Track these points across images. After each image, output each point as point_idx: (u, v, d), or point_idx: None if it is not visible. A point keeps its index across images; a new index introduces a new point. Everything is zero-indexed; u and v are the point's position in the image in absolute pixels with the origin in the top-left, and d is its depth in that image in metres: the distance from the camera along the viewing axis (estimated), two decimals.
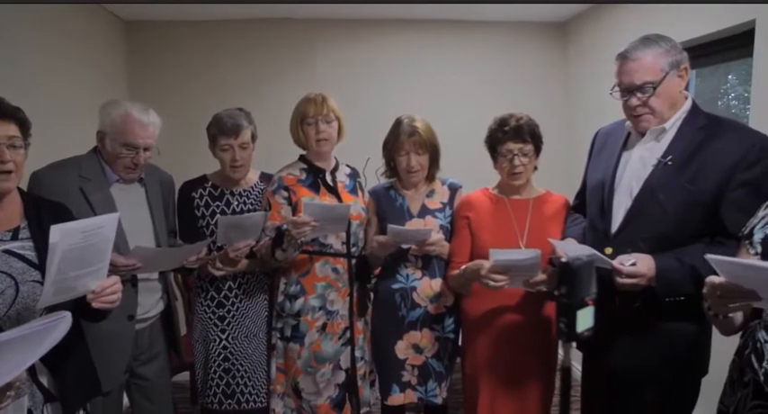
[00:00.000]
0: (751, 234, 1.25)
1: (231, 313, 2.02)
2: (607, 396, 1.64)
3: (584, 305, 1.36)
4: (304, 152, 2.04)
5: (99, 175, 1.73)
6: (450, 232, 1.93)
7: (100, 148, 1.75)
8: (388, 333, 1.96)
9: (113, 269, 1.51)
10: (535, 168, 1.83)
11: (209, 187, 2.04)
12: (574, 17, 3.35)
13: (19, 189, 1.30)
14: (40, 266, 1.19)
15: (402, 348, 1.94)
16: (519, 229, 1.80)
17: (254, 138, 2.01)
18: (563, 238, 1.72)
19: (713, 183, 1.40)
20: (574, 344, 1.43)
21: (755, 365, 1.15)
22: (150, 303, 1.85)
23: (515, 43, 3.48)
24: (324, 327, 1.95)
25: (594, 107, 3.09)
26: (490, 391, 1.81)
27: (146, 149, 1.72)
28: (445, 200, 1.99)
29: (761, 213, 1.26)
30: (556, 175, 2.68)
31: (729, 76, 2.59)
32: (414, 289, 1.92)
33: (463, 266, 1.76)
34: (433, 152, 1.94)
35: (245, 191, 2.06)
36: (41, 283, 1.16)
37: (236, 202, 2.03)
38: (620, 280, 1.41)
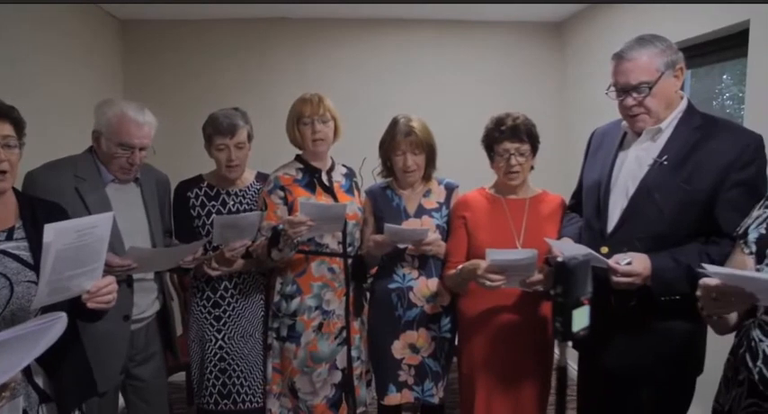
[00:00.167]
0: (746, 234, 1.25)
1: (227, 313, 2.02)
2: (603, 395, 1.64)
3: (579, 304, 1.37)
4: (300, 152, 2.04)
5: (94, 174, 1.72)
6: (446, 232, 1.94)
7: (95, 148, 1.75)
8: (385, 333, 1.96)
9: (109, 269, 1.50)
10: (532, 168, 1.83)
11: (204, 187, 2.04)
12: (570, 17, 3.36)
13: (14, 189, 1.29)
14: (35, 267, 1.19)
15: (399, 348, 1.94)
16: (515, 228, 1.80)
17: (250, 137, 2.01)
18: (559, 237, 1.72)
19: (708, 182, 1.40)
20: (570, 343, 1.43)
21: (750, 364, 1.16)
22: (146, 303, 1.84)
23: (512, 43, 3.49)
24: (320, 326, 1.95)
25: (591, 107, 3.10)
26: (486, 390, 1.81)
27: (141, 149, 1.72)
28: (442, 199, 1.99)
29: (755, 213, 1.26)
30: (552, 175, 2.69)
31: (724, 76, 2.60)
32: (410, 289, 1.92)
33: (460, 266, 1.76)
34: (429, 152, 1.94)
35: (240, 191, 2.05)
36: (36, 284, 1.16)
37: (231, 202, 2.03)
38: (615, 279, 1.41)
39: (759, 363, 1.14)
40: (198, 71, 3.31)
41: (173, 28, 3.27)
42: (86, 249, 1.14)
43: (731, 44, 2.19)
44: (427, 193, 1.99)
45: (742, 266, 1.23)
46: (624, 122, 1.57)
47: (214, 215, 1.93)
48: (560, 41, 3.51)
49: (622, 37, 1.54)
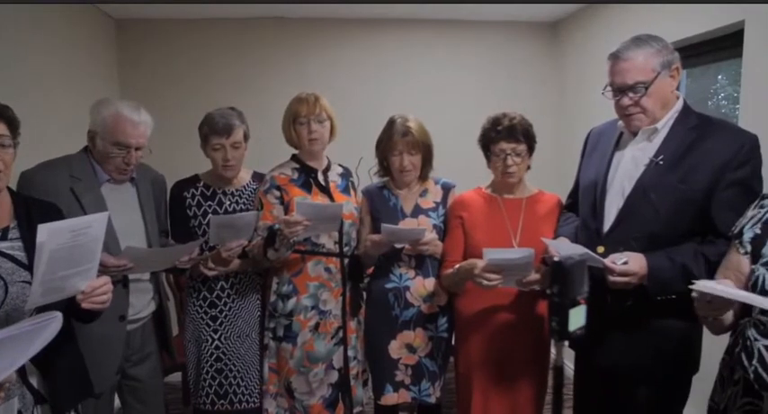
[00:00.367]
0: (741, 233, 1.26)
1: (223, 313, 2.01)
2: (599, 394, 1.65)
3: (576, 304, 1.37)
4: (296, 152, 2.04)
5: (90, 174, 1.71)
6: (443, 232, 1.94)
7: (90, 148, 1.74)
8: (382, 333, 1.96)
9: (104, 270, 1.50)
10: (528, 168, 1.84)
11: (201, 187, 2.03)
12: (566, 17, 3.37)
13: (8, 189, 1.28)
14: (30, 267, 1.18)
15: (395, 348, 1.94)
16: (512, 228, 1.80)
17: (246, 137, 2.00)
18: (556, 237, 1.72)
19: (704, 182, 1.41)
20: (566, 342, 1.43)
21: (745, 363, 1.16)
22: (142, 304, 1.83)
23: (508, 43, 3.49)
24: (316, 326, 1.95)
25: (587, 106, 3.10)
26: (483, 389, 1.81)
27: (137, 149, 1.71)
28: (438, 199, 1.99)
29: (750, 213, 1.27)
30: (549, 175, 2.70)
31: (719, 77, 2.61)
32: (407, 288, 1.92)
33: (457, 266, 1.76)
34: (425, 152, 1.94)
35: (237, 190, 2.05)
36: (31, 284, 1.15)
37: (228, 202, 2.02)
38: (612, 278, 1.42)
39: (754, 362, 1.15)
40: (194, 71, 3.30)
41: (169, 27, 3.26)
42: (81, 249, 1.13)
43: (726, 44, 2.20)
44: (424, 193, 1.99)
45: (737, 266, 1.24)
46: (620, 122, 1.58)
47: (210, 215, 1.93)
48: (556, 41, 3.51)
49: (618, 37, 1.54)
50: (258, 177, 2.09)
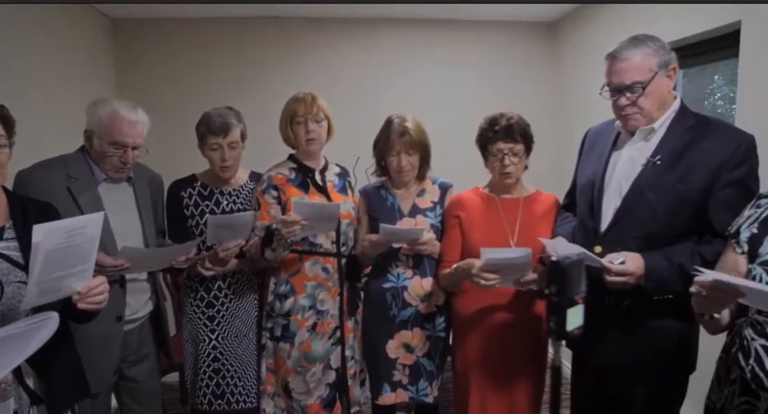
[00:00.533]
0: (738, 233, 1.26)
1: (221, 313, 2.01)
2: (597, 394, 1.65)
3: (573, 304, 1.37)
4: (293, 151, 2.03)
5: (86, 174, 1.70)
6: (440, 231, 1.94)
7: (87, 148, 1.73)
8: (379, 332, 1.95)
9: (101, 270, 1.50)
10: (526, 167, 1.84)
11: (198, 187, 2.02)
12: (564, 17, 3.37)
13: (4, 188, 1.28)
14: (26, 267, 1.17)
15: (393, 348, 1.94)
16: (509, 228, 1.80)
17: (243, 137, 2.00)
18: (553, 236, 1.73)
19: (701, 182, 1.41)
20: (564, 342, 1.44)
21: (742, 363, 1.17)
22: (139, 304, 1.83)
23: (505, 43, 3.50)
24: (314, 326, 1.95)
25: (584, 106, 3.11)
26: (481, 389, 1.81)
27: (134, 148, 1.70)
28: (436, 199, 1.99)
29: (747, 212, 1.27)
30: (546, 174, 2.70)
31: (716, 77, 2.61)
32: (405, 288, 1.92)
33: (454, 265, 1.76)
34: (423, 152, 1.94)
35: (234, 190, 2.05)
36: (27, 284, 1.14)
37: (225, 202, 2.02)
38: (609, 278, 1.42)
39: (751, 361, 1.15)
40: (191, 70, 3.29)
41: (165, 27, 3.25)
42: (77, 250, 1.13)
43: (723, 44, 2.20)
44: (421, 193, 1.99)
45: (734, 265, 1.24)
46: (618, 122, 1.58)
47: (208, 215, 1.92)
48: (554, 41, 3.52)
49: (615, 37, 1.54)
50: (255, 177, 2.09)
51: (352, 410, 2.03)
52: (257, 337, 2.06)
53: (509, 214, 1.82)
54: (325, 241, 1.96)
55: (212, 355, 2.00)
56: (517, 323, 1.79)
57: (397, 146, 1.89)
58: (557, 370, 1.44)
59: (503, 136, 1.74)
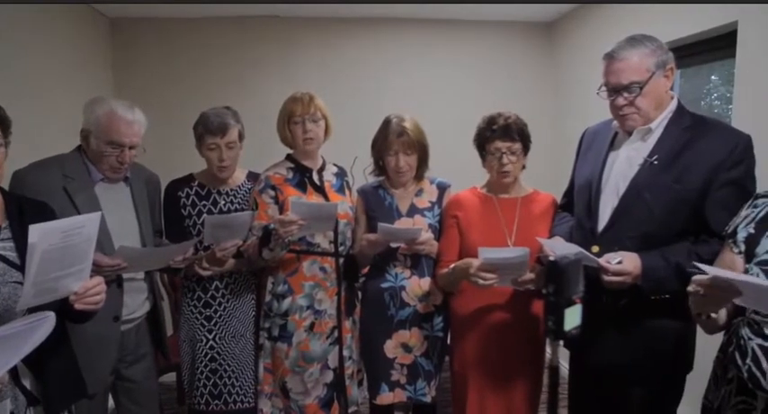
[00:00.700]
0: (734, 233, 1.26)
1: (218, 313, 2.01)
2: (594, 393, 1.65)
3: (571, 303, 1.37)
4: (291, 151, 2.03)
5: (83, 174, 1.70)
6: (438, 231, 1.94)
7: (84, 147, 1.73)
8: (377, 332, 1.95)
9: (98, 269, 1.49)
10: (523, 167, 1.84)
11: (195, 186, 2.02)
12: (561, 17, 3.38)
13: (0, 188, 1.27)
14: (22, 267, 1.17)
15: (391, 347, 1.94)
16: (507, 227, 1.80)
17: (241, 137, 2.00)
18: (550, 236, 1.73)
19: (698, 182, 1.41)
20: (561, 342, 1.44)
21: (739, 362, 1.17)
22: (136, 304, 1.82)
23: (503, 43, 3.50)
24: (311, 326, 1.94)
25: (582, 106, 3.11)
26: (479, 389, 1.81)
27: (131, 148, 1.70)
28: (434, 199, 1.99)
29: (744, 212, 1.28)
30: (544, 174, 2.70)
31: (712, 77, 2.62)
32: (403, 288, 1.92)
33: (452, 265, 1.76)
34: (421, 152, 1.94)
35: (232, 190, 2.04)
36: (23, 285, 1.14)
37: (222, 202, 2.02)
38: (606, 278, 1.42)
39: (748, 360, 1.15)
40: (188, 70, 3.28)
41: (163, 26, 3.24)
42: (73, 250, 1.12)
43: (720, 45, 2.21)
44: (419, 193, 1.99)
45: (731, 265, 1.25)
46: (615, 122, 1.58)
47: (205, 215, 1.92)
48: (551, 41, 3.52)
49: (613, 37, 1.54)
50: (253, 177, 2.08)
51: (349, 410, 2.03)
52: (254, 336, 2.05)
53: (507, 214, 1.82)
54: (322, 241, 1.96)
55: (209, 355, 2.00)
56: (515, 323, 1.79)
57: (396, 146, 1.89)
58: (554, 370, 1.44)
59: (501, 135, 1.74)
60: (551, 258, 1.39)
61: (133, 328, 1.83)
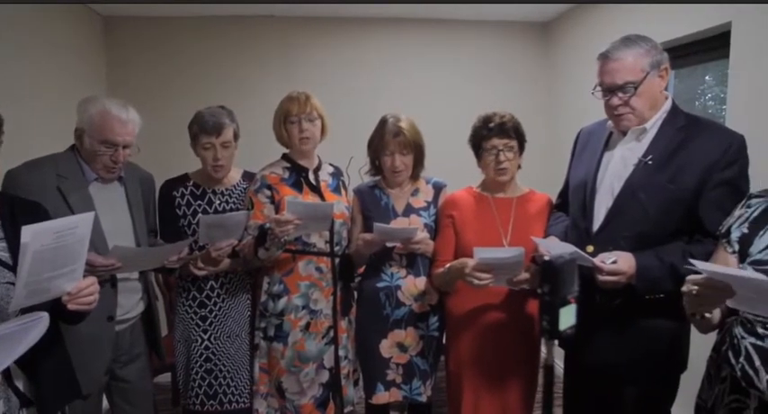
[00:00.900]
0: (728, 232, 1.27)
1: (213, 313, 2.00)
2: (589, 393, 1.66)
3: (566, 303, 1.37)
4: (287, 151, 2.03)
5: (77, 173, 1.69)
6: (434, 231, 1.94)
7: (78, 146, 1.72)
8: (373, 332, 1.95)
9: (92, 269, 1.48)
10: (519, 167, 1.84)
11: (190, 186, 2.01)
12: (557, 17, 3.38)
13: None
14: (14, 268, 1.16)
15: (386, 347, 1.94)
16: (502, 227, 1.81)
17: (236, 136, 1.99)
18: (546, 236, 1.73)
19: (692, 182, 1.42)
20: (556, 341, 1.44)
21: (732, 361, 1.18)
22: (130, 304, 1.81)
23: (498, 43, 3.51)
24: (307, 326, 1.94)
25: (577, 106, 3.12)
26: (474, 388, 1.82)
27: (125, 147, 1.69)
28: (430, 198, 1.99)
29: (737, 212, 1.28)
30: (539, 174, 2.70)
31: (706, 77, 2.63)
32: (398, 287, 1.92)
33: (448, 265, 1.77)
34: (417, 152, 1.94)
35: (227, 190, 2.04)
36: (15, 285, 1.13)
37: (218, 201, 2.01)
38: (601, 278, 1.42)
39: (741, 359, 1.16)
40: (183, 69, 3.27)
41: (157, 25, 3.23)
42: (66, 250, 1.11)
43: (714, 45, 2.22)
44: (415, 192, 1.99)
45: (725, 265, 1.25)
46: (610, 122, 1.59)
47: (200, 214, 1.91)
48: (547, 41, 3.53)
49: (608, 37, 1.55)
50: (248, 176, 2.08)
51: (345, 410, 2.03)
52: (250, 336, 2.05)
53: (502, 214, 1.82)
54: (318, 241, 1.95)
55: (204, 356, 1.99)
56: (510, 322, 1.79)
57: (392, 146, 1.89)
58: (549, 369, 1.44)
59: (497, 132, 1.75)
60: (546, 258, 1.39)
61: (128, 328, 1.82)
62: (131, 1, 2.87)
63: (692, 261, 1.09)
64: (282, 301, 1.93)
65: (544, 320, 1.38)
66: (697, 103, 2.70)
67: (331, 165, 2.11)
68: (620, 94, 1.47)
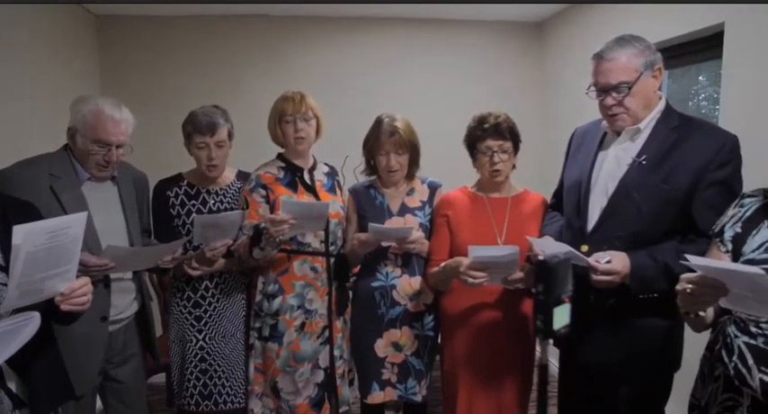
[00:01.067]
0: (722, 232, 1.28)
1: (208, 313, 1.99)
2: (583, 392, 1.66)
3: (560, 303, 1.37)
4: (282, 150, 2.02)
5: (70, 173, 1.68)
6: (429, 230, 1.94)
7: (71, 146, 1.70)
8: (368, 331, 1.95)
9: (85, 269, 1.48)
10: (513, 167, 1.85)
11: (184, 186, 2.00)
12: (551, 17, 3.39)
13: None
14: (6, 268, 1.15)
15: (382, 346, 1.94)
16: (497, 227, 1.81)
17: (230, 136, 1.98)
18: (540, 236, 1.74)
19: (686, 182, 1.43)
20: (551, 341, 1.44)
21: (726, 360, 1.18)
22: (124, 304, 1.81)
23: (493, 43, 3.51)
24: (302, 326, 1.94)
25: (571, 106, 3.13)
26: (469, 387, 1.82)
27: (118, 146, 1.68)
28: (425, 198, 1.99)
29: (731, 212, 1.29)
30: (533, 174, 2.71)
31: (700, 77, 2.65)
32: (393, 287, 1.92)
33: (442, 264, 1.77)
34: (413, 152, 1.94)
35: (221, 189, 2.03)
36: (7, 286, 1.12)
37: (212, 201, 2.00)
38: (595, 277, 1.43)
39: (734, 358, 1.16)
40: (177, 68, 3.25)
41: (151, 24, 3.21)
42: (59, 250, 1.10)
43: (707, 46, 2.23)
44: (410, 192, 1.99)
45: None
46: (604, 122, 1.59)
47: (194, 214, 1.90)
48: (541, 41, 3.54)
49: (602, 37, 1.55)
50: (243, 176, 2.07)
51: (340, 410, 2.03)
52: (245, 336, 2.04)
53: (497, 213, 1.83)
54: (313, 240, 1.95)
55: (199, 356, 1.98)
56: (505, 322, 1.79)
57: (387, 145, 1.89)
58: (544, 368, 1.45)
59: (492, 133, 1.75)
60: (541, 257, 1.39)
61: (121, 328, 1.81)
62: (125, 0, 2.85)
63: (686, 256, 1.09)
64: (277, 301, 1.93)
65: (538, 320, 1.38)
66: (690, 103, 2.71)
67: (326, 164, 2.11)
68: (614, 94, 1.48)
